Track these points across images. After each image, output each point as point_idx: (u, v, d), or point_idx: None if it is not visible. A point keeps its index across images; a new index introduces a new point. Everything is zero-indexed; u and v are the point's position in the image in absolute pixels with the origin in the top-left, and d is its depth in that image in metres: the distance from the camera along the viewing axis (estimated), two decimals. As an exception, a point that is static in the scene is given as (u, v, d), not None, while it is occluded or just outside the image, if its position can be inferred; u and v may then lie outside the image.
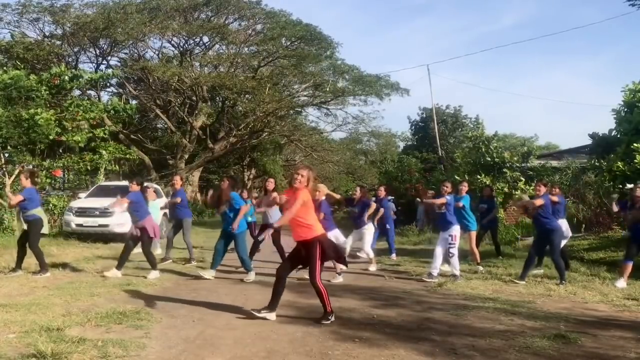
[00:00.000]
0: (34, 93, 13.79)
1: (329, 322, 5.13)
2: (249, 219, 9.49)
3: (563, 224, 8.84)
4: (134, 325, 5.00)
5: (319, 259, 5.22)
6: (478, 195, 10.40)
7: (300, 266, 5.47)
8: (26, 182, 7.95)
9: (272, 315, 5.29)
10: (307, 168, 5.55)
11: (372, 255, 9.26)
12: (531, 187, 13.63)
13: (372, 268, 9.10)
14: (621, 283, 7.41)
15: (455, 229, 8.09)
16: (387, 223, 11.17)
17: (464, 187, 9.36)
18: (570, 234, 9.48)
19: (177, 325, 5.11)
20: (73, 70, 17.24)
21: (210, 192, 8.75)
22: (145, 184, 10.58)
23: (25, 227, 7.91)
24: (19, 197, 7.82)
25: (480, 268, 8.85)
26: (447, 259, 8.81)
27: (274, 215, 8.68)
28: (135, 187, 8.19)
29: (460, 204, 8.91)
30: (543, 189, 7.93)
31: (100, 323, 5.01)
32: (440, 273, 8.21)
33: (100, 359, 4.03)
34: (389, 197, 12.09)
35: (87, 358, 4.01)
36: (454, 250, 8.01)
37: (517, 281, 7.66)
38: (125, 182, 16.41)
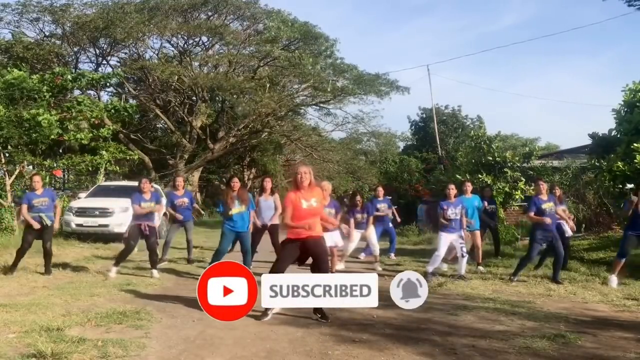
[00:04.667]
0: (36, 94, 13.81)
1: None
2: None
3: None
4: (134, 325, 5.00)
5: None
6: (478, 195, 10.36)
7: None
8: (42, 185, 8.05)
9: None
10: (306, 165, 5.67)
11: (377, 252, 9.33)
12: (532, 188, 13.63)
13: (379, 268, 9.04)
14: (613, 280, 7.45)
15: (461, 231, 8.09)
16: (388, 222, 10.84)
17: (469, 187, 9.25)
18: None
19: (177, 325, 5.11)
20: (73, 70, 17.27)
21: (232, 194, 7.67)
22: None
23: (38, 226, 7.80)
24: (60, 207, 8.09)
25: (482, 269, 8.83)
26: (446, 259, 8.80)
27: (267, 216, 8.74)
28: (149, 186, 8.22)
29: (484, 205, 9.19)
30: (545, 186, 7.91)
31: (100, 323, 5.01)
32: (440, 273, 8.20)
33: (100, 359, 4.03)
34: (388, 197, 12.02)
35: (87, 358, 4.02)
36: (466, 250, 8.03)
37: (515, 282, 7.66)
38: (124, 182, 16.47)
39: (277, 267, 5.33)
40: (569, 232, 8.70)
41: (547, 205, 7.70)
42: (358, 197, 9.39)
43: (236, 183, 7.74)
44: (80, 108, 14.77)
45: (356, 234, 9.23)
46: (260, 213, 8.79)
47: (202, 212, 7.79)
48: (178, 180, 9.95)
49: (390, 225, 10.90)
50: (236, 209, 7.51)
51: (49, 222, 7.81)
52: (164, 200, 8.01)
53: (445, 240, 7.98)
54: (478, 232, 9.11)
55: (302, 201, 5.32)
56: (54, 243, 11.40)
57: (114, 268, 7.83)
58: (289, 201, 5.39)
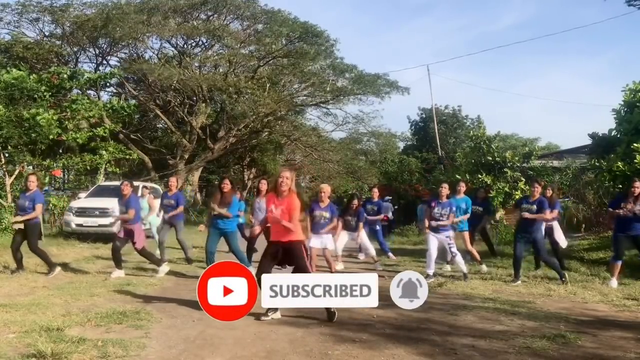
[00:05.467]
0: (36, 93, 13.82)
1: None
2: (240, 220, 9.40)
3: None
4: (134, 325, 4.99)
5: (308, 259, 5.33)
6: (473, 197, 10.18)
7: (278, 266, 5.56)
8: (37, 185, 7.98)
9: (278, 314, 5.35)
10: (289, 170, 5.68)
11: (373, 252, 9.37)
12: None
13: (380, 267, 9.06)
14: (613, 282, 7.44)
15: (450, 231, 8.07)
16: (376, 224, 10.44)
17: (462, 187, 9.19)
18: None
19: (177, 325, 5.11)
20: (72, 68, 17.28)
21: (217, 196, 7.91)
22: (143, 184, 10.35)
23: (19, 227, 7.84)
24: (40, 209, 7.82)
25: (484, 267, 8.81)
26: (445, 259, 8.79)
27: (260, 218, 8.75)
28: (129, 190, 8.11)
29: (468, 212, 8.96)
30: (539, 189, 7.88)
31: (100, 323, 5.01)
32: (440, 273, 8.19)
33: (100, 359, 4.03)
34: (386, 197, 11.97)
35: (87, 358, 4.01)
36: (455, 250, 7.97)
37: (514, 283, 7.64)
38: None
39: (259, 266, 5.45)
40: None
41: (525, 207, 7.75)
42: (354, 202, 9.40)
43: (226, 185, 7.75)
44: (76, 107, 14.77)
45: (343, 235, 9.23)
46: (257, 215, 8.78)
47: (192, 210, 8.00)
48: (171, 180, 10.04)
49: (377, 227, 10.42)
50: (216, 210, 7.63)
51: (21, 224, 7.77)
52: (140, 204, 7.97)
53: (432, 239, 7.95)
54: (465, 234, 9.00)
55: (271, 205, 5.49)
56: (54, 243, 11.53)
57: (116, 270, 7.84)
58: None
